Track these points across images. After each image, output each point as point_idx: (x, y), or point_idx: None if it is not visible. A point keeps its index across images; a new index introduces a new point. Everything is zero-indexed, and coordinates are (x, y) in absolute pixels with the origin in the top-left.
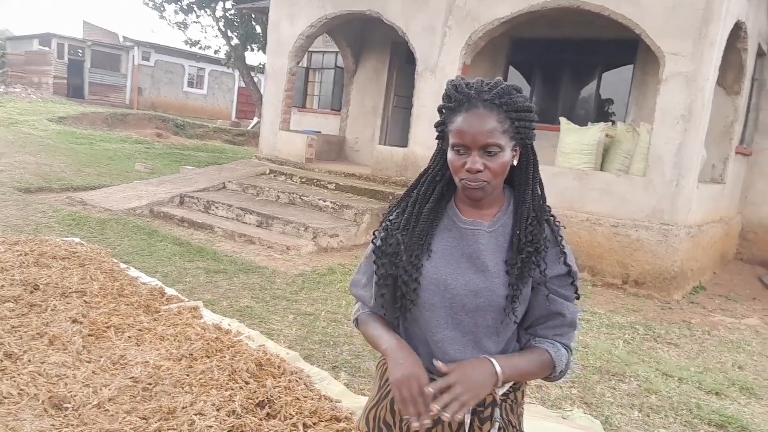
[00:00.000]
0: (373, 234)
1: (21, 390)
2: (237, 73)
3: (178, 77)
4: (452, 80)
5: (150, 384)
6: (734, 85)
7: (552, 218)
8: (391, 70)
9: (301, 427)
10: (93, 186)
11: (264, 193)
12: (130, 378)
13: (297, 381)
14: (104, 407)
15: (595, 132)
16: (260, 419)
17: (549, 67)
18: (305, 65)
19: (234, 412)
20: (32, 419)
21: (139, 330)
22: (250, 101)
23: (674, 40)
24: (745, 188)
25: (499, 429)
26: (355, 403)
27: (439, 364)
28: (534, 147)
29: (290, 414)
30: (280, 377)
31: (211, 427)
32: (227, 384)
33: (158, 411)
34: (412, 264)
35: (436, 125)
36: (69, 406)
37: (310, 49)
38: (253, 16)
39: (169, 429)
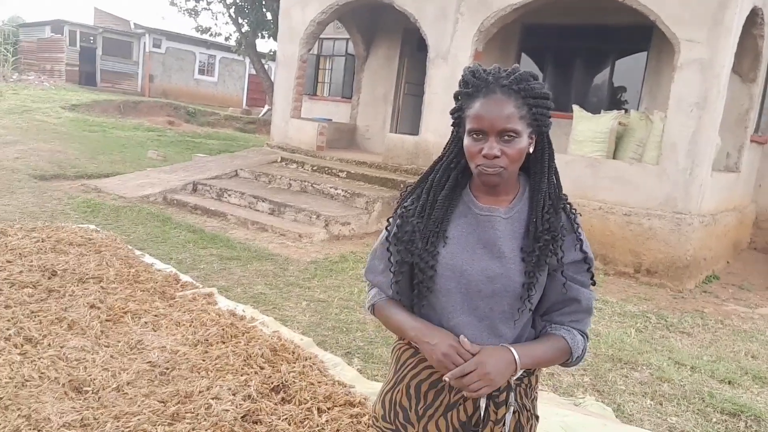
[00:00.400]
0: (387, 221)
1: (42, 373)
2: (248, 61)
3: (188, 64)
4: (469, 66)
5: (167, 368)
6: (750, 72)
7: (568, 206)
8: (403, 57)
9: (315, 412)
10: (107, 173)
11: (276, 181)
12: (148, 362)
13: (311, 366)
14: (123, 390)
15: (608, 120)
16: (275, 404)
17: (561, 54)
18: (316, 52)
19: (249, 396)
20: (53, 402)
21: (155, 316)
22: (260, 89)
23: (690, 26)
24: (760, 177)
25: (514, 413)
26: (368, 388)
27: (464, 339)
28: (549, 135)
29: (305, 399)
30: (294, 363)
31: (227, 410)
32: (242, 369)
33: (176, 395)
34: (427, 251)
35: (452, 111)
36: (89, 389)
37: (321, 36)
38: (263, 2)
39: (186, 412)
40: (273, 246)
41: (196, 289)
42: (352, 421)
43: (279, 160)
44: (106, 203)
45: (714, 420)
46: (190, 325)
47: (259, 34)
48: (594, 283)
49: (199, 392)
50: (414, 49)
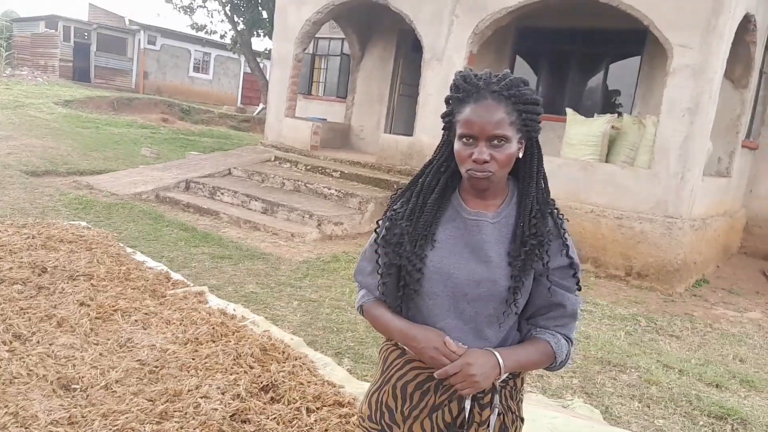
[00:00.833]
0: (377, 223)
1: (30, 371)
2: (243, 59)
3: (183, 62)
4: (461, 71)
5: (156, 367)
6: (742, 78)
7: (556, 211)
8: (398, 57)
9: (304, 412)
10: (99, 170)
11: (269, 180)
12: (137, 360)
13: (301, 366)
14: (112, 389)
15: (601, 123)
16: (264, 403)
17: (556, 57)
18: (311, 51)
19: (239, 395)
20: (41, 399)
21: (146, 314)
22: (255, 87)
23: (682, 32)
24: (751, 182)
25: (499, 415)
26: (357, 388)
27: (449, 340)
28: (539, 141)
29: (294, 398)
30: (284, 362)
31: (216, 409)
32: (232, 368)
33: (164, 393)
34: (415, 254)
35: (443, 116)
36: (77, 387)
37: (317, 36)
38: (259, 1)
39: (175, 411)
40: (265, 245)
41: (187, 287)
42: (340, 421)
43: (273, 159)
44: (98, 200)
45: (701, 423)
46: (180, 324)
47: (255, 33)
48: (579, 289)
49: (188, 391)
50: (409, 49)
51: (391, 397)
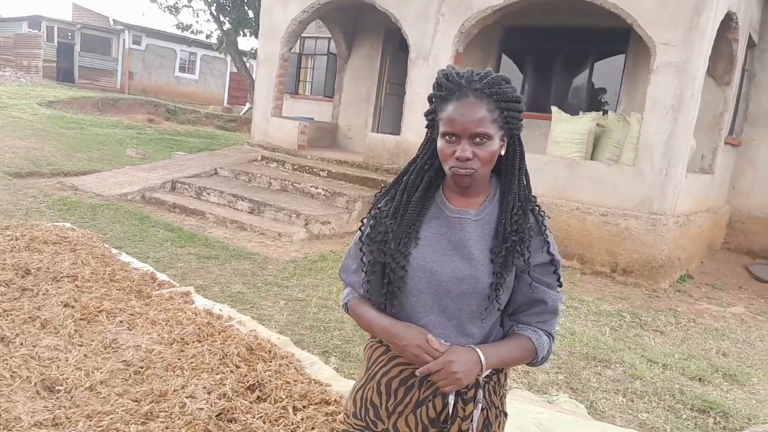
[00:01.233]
0: (362, 221)
1: (13, 372)
2: (229, 59)
3: (169, 62)
4: (443, 69)
5: (142, 367)
6: (724, 75)
7: (537, 208)
8: (384, 57)
9: (290, 410)
10: (84, 171)
11: (256, 180)
12: (122, 361)
13: (287, 365)
14: (96, 390)
15: (586, 121)
16: (251, 402)
17: (542, 55)
18: (298, 51)
19: (225, 395)
20: (25, 401)
21: (131, 314)
22: (242, 87)
23: (665, 29)
24: (734, 178)
25: (483, 410)
26: (344, 387)
27: (431, 337)
28: (521, 138)
29: (280, 397)
30: (270, 361)
31: (201, 409)
32: (218, 368)
33: (150, 394)
34: (399, 252)
35: (426, 114)
36: (61, 388)
37: (303, 35)
38: (245, 0)
39: (160, 411)
40: (252, 245)
41: (173, 288)
42: (327, 419)
43: (259, 158)
44: (83, 201)
45: (684, 416)
46: (166, 324)
47: (241, 32)
48: (561, 285)
49: (174, 391)
50: (396, 48)
51: (375, 394)
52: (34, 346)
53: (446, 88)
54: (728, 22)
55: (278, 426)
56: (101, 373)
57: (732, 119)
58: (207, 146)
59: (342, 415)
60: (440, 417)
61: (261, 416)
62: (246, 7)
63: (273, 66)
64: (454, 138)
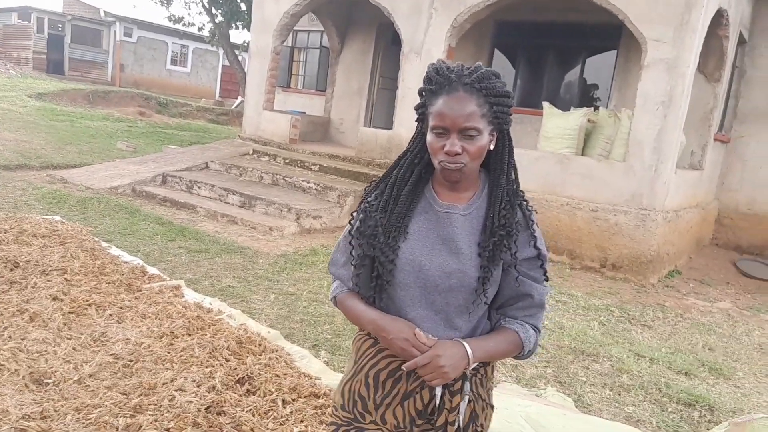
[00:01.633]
0: (351, 215)
1: (1, 365)
2: (221, 52)
3: (161, 54)
4: (433, 64)
5: (131, 361)
6: (715, 72)
7: (525, 202)
8: (377, 51)
9: (280, 403)
10: (74, 164)
11: (247, 174)
12: (111, 355)
13: (277, 359)
14: (85, 383)
15: (577, 117)
16: (240, 395)
17: (534, 50)
18: (290, 44)
19: (214, 388)
20: (13, 394)
21: (121, 308)
22: (234, 80)
23: (656, 26)
24: (723, 174)
25: (469, 402)
26: (334, 380)
27: (419, 331)
28: (510, 133)
29: (270, 390)
30: (260, 355)
31: (191, 402)
32: (208, 361)
33: (139, 387)
34: (389, 245)
35: (417, 108)
36: (50, 381)
37: (296, 28)
38: None
39: (149, 404)
40: (243, 239)
41: (163, 281)
42: (316, 412)
43: (251, 152)
44: (73, 194)
45: (670, 410)
46: (155, 318)
47: (233, 25)
48: (547, 279)
49: (163, 384)
50: (389, 43)
51: (363, 386)
52: (22, 339)
53: (436, 82)
54: (719, 18)
55: (267, 419)
56: (90, 366)
57: (722, 116)
58: (198, 140)
59: (330, 408)
60: (427, 409)
61: (250, 409)
62: (238, 0)
63: (265, 59)
64: (443, 132)
